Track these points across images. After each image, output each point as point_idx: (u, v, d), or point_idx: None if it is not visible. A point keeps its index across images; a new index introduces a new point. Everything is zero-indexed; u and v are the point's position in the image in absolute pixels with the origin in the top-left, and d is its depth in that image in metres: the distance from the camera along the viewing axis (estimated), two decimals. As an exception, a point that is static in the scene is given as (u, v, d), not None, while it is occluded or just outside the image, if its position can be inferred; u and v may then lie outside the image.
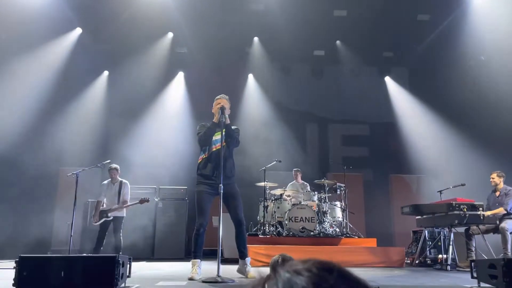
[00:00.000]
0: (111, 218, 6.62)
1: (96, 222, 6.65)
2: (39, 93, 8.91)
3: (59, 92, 9.37)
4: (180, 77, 10.75)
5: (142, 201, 6.84)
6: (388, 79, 11.04)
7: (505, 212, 6.17)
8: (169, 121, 10.40)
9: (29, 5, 8.06)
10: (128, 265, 3.46)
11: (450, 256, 5.87)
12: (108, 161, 7.09)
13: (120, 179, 6.91)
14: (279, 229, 7.45)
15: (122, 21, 8.90)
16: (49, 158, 8.84)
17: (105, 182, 6.97)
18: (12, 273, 2.86)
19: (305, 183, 8.43)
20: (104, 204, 6.76)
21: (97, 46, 10.03)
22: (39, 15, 8.20)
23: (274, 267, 2.52)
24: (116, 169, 6.90)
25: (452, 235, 6.00)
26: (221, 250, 4.23)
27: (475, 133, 8.93)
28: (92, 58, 10.10)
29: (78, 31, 9.57)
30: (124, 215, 6.85)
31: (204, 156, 4.43)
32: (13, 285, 2.80)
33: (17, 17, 8.09)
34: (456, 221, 5.76)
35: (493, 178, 6.44)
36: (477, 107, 8.80)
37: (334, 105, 10.84)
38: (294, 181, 8.48)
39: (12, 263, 2.92)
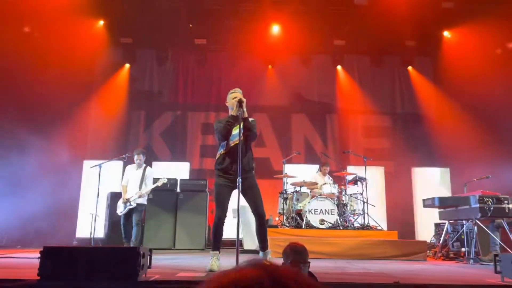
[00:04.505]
0: (134, 205, 6.57)
1: (122, 213, 6.63)
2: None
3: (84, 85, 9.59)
4: (199, 69, 10.80)
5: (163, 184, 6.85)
6: (410, 69, 10.82)
7: None
8: (188, 113, 10.50)
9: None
10: (148, 256, 3.51)
11: (473, 249, 5.76)
12: (129, 154, 7.17)
13: (144, 164, 6.90)
14: (299, 221, 7.44)
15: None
16: (74, 151, 9.08)
17: (129, 166, 6.95)
18: (37, 263, 2.95)
19: (330, 177, 8.33)
20: (128, 191, 6.70)
21: (118, 39, 10.17)
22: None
23: (283, 255, 2.51)
24: (143, 153, 6.90)
25: (475, 228, 5.88)
26: (240, 241, 4.26)
27: (502, 125, 8.66)
28: (114, 51, 10.25)
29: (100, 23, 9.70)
30: (146, 202, 6.82)
31: (223, 152, 4.42)
32: (38, 275, 2.89)
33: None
34: (480, 214, 5.64)
35: None
36: (504, 99, 8.50)
37: (355, 95, 10.70)
38: (320, 172, 8.34)
39: (37, 253, 3.01)
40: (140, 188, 6.67)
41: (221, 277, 0.63)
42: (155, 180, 6.95)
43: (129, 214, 6.62)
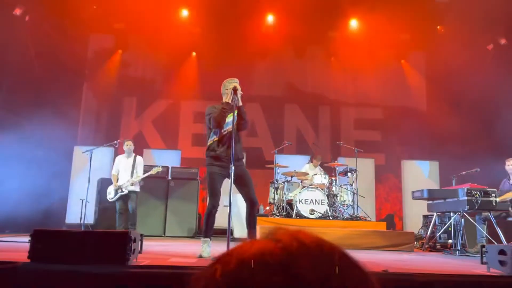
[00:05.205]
0: (126, 192, 6.64)
1: (112, 199, 6.69)
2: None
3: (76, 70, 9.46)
4: (193, 58, 10.72)
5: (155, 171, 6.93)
6: (404, 63, 10.86)
7: None
8: (181, 102, 10.45)
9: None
10: (140, 241, 3.51)
11: (459, 241, 5.85)
12: (120, 140, 7.17)
13: (134, 154, 6.98)
14: (289, 210, 7.48)
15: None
16: (64, 136, 8.99)
17: (119, 156, 7.03)
18: (27, 246, 2.93)
19: (321, 168, 8.37)
20: (119, 179, 6.80)
21: (111, 24, 10.03)
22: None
23: None
24: (132, 140, 7.04)
25: (462, 220, 5.97)
26: (231, 229, 4.27)
27: (492, 120, 8.75)
28: (106, 36, 10.12)
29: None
30: (138, 190, 6.89)
31: (216, 139, 4.39)
32: (28, 257, 2.87)
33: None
34: (468, 207, 5.72)
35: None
36: (495, 94, 8.58)
37: (347, 87, 10.73)
38: (311, 163, 8.36)
39: (27, 237, 2.99)
40: (131, 176, 6.74)
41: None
42: (147, 168, 6.98)
43: (123, 202, 6.67)
